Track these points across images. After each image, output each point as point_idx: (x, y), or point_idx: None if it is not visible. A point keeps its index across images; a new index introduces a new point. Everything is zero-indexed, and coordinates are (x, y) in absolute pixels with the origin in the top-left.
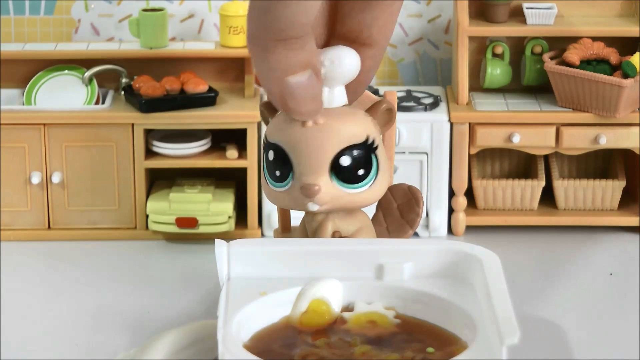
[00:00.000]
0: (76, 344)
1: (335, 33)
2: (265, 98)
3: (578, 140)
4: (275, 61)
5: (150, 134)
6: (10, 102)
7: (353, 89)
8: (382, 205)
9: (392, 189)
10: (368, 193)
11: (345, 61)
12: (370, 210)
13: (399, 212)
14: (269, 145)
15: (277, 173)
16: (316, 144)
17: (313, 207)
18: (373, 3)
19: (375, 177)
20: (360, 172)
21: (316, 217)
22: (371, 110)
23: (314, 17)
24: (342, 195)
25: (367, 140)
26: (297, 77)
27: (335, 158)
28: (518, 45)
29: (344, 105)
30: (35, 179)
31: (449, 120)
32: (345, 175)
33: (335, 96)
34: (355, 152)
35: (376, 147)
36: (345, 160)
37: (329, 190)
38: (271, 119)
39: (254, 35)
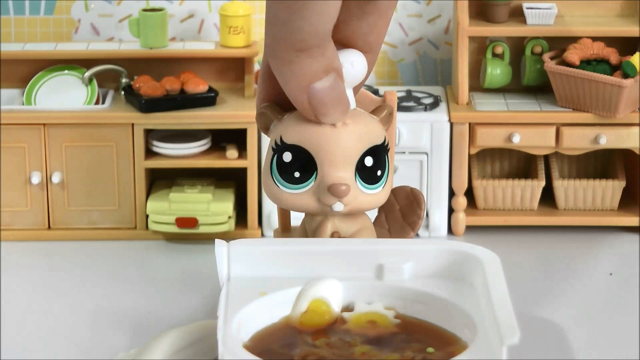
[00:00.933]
0: (76, 344)
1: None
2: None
3: (578, 140)
4: (299, 70)
5: (150, 134)
6: (10, 102)
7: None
8: (384, 207)
9: (395, 191)
10: (381, 194)
11: (361, 64)
12: (373, 212)
13: (400, 214)
14: (284, 147)
15: (297, 174)
16: (345, 144)
17: (339, 207)
18: (370, 11)
19: (387, 178)
20: (379, 172)
21: (316, 218)
22: (374, 114)
23: (333, 24)
24: (361, 196)
25: (384, 141)
26: (322, 83)
27: (360, 158)
28: (518, 45)
29: (354, 109)
30: (35, 179)
31: (449, 120)
32: (366, 175)
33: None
34: (376, 153)
35: (389, 149)
36: (369, 161)
37: (354, 190)
38: (277, 122)
39: (273, 47)
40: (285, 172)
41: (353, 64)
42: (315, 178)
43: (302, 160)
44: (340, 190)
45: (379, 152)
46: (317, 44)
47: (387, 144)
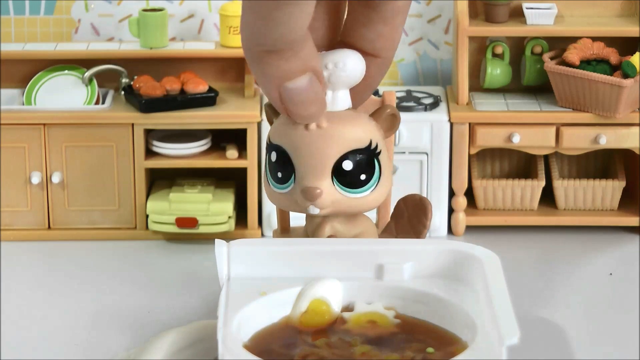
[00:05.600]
0: (76, 344)
1: (340, 39)
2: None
3: (578, 140)
4: (270, 69)
5: (150, 134)
6: (10, 102)
7: (358, 94)
8: (395, 215)
9: (406, 199)
10: (369, 198)
11: (349, 65)
12: (373, 214)
13: (408, 223)
14: (271, 147)
15: (279, 175)
16: (318, 148)
17: (314, 210)
18: (375, 19)
19: (377, 182)
20: (363, 177)
21: (314, 219)
22: (375, 114)
23: (304, 30)
24: (343, 200)
25: (370, 145)
26: (296, 82)
27: (337, 162)
28: (518, 45)
29: (348, 109)
30: (35, 179)
31: (449, 120)
32: (347, 179)
33: (339, 99)
34: (358, 157)
35: (379, 152)
36: (348, 165)
37: (330, 194)
38: (275, 119)
39: (246, 47)
40: (272, 171)
41: (337, 65)
42: (295, 179)
43: (283, 161)
44: (312, 194)
45: (362, 156)
46: (288, 47)
47: (375, 147)
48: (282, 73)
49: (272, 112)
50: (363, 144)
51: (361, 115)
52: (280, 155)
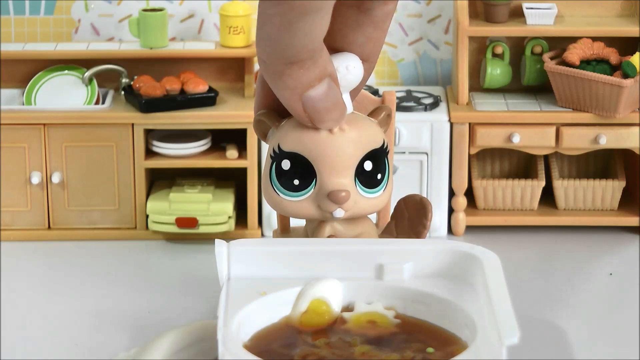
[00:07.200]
0: (76, 344)
1: (326, 43)
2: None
3: (578, 140)
4: (291, 81)
5: (150, 134)
6: (10, 102)
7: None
8: (395, 215)
9: (406, 200)
10: (381, 198)
11: (358, 68)
12: (375, 217)
13: (408, 223)
14: (283, 155)
15: (296, 182)
16: (343, 150)
17: (339, 213)
18: (366, 22)
19: (387, 181)
20: (379, 176)
21: (314, 220)
22: (372, 116)
23: (323, 37)
24: (361, 200)
25: (383, 144)
26: (317, 90)
27: (359, 163)
28: (518, 45)
29: (352, 112)
30: (35, 179)
31: (449, 120)
32: (366, 180)
33: (347, 103)
34: (375, 157)
35: (388, 152)
36: (368, 165)
37: (354, 195)
38: (274, 129)
39: (265, 62)
40: (285, 180)
41: (348, 68)
42: (315, 185)
43: (300, 168)
44: (340, 197)
45: (378, 156)
46: (308, 57)
47: (387, 147)
48: (303, 83)
49: (270, 121)
50: (379, 144)
51: (367, 117)
52: (296, 162)
